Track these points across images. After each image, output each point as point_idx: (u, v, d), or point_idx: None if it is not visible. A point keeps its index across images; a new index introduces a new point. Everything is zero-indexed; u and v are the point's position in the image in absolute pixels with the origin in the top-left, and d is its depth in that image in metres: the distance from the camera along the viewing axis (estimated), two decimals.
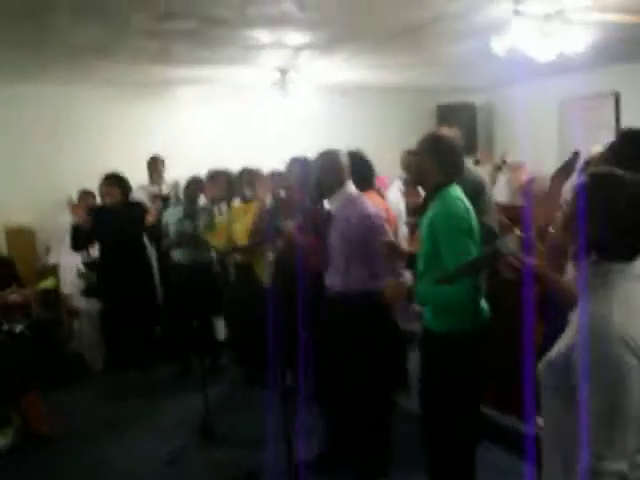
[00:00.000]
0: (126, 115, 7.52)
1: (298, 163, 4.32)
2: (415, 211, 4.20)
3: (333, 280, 3.60)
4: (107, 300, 5.41)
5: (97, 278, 5.59)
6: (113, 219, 5.08)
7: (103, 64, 6.17)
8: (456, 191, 2.87)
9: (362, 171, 3.88)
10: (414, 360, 3.92)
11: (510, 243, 2.30)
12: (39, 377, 4.62)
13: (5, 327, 4.74)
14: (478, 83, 8.77)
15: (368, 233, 3.42)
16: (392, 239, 3.39)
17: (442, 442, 3.03)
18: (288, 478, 3.02)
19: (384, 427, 3.73)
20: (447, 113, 8.94)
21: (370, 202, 3.61)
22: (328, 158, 3.60)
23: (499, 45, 4.95)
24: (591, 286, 1.58)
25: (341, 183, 3.56)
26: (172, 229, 5.59)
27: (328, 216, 3.61)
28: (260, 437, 3.98)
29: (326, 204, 3.68)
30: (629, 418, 1.47)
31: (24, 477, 4.04)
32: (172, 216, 5.65)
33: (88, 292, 5.88)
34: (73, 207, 5.73)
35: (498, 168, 7.53)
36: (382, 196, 4.78)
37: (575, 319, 1.62)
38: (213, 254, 5.78)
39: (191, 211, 5.51)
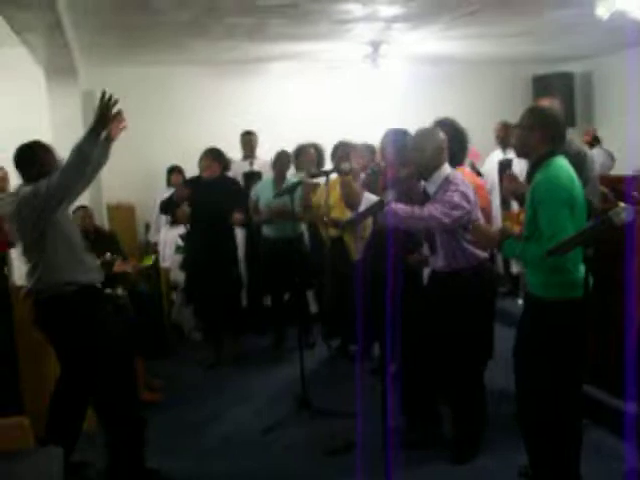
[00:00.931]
0: (220, 93, 7.72)
1: (393, 136, 4.28)
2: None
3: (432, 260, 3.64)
4: (191, 273, 5.51)
5: (185, 251, 5.72)
6: (211, 193, 5.14)
7: (199, 43, 6.32)
8: (561, 161, 2.89)
9: (453, 144, 3.78)
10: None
11: (621, 214, 2.23)
12: (141, 346, 4.83)
13: (109, 291, 4.95)
14: (576, 52, 8.40)
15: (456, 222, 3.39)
16: (479, 224, 3.32)
17: (544, 420, 2.99)
18: (385, 450, 3.04)
19: (479, 402, 3.71)
20: (543, 83, 8.65)
21: (465, 182, 3.51)
22: (427, 137, 3.54)
23: (603, 9, 4.74)
24: None
25: (439, 164, 3.50)
26: (263, 204, 5.60)
27: (425, 196, 3.57)
28: (353, 410, 4.01)
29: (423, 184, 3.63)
30: None
31: None
32: (264, 191, 5.68)
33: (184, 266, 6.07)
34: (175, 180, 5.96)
35: (591, 145, 7.26)
36: (475, 170, 4.71)
37: None
38: (304, 228, 5.83)
39: (287, 186, 5.56)
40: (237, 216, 5.25)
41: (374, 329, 3.86)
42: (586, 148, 4.39)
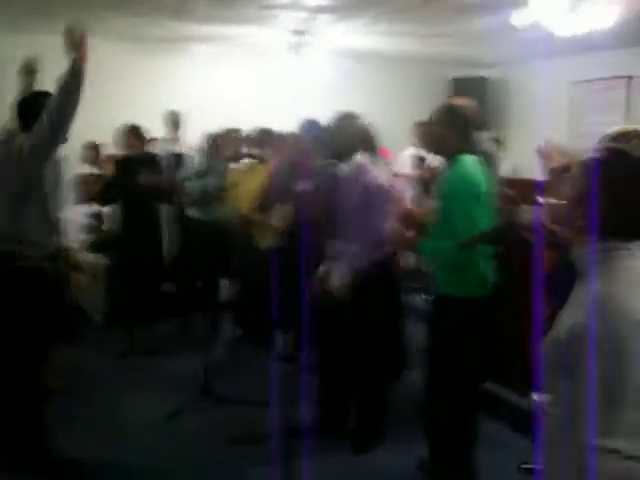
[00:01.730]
0: (144, 71, 7.50)
1: (311, 125, 4.29)
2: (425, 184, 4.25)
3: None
4: (116, 255, 5.37)
5: (107, 233, 5.55)
6: (137, 171, 5.00)
7: (122, 18, 6.11)
8: (471, 158, 2.93)
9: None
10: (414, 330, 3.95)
11: (525, 215, 2.32)
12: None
13: None
14: (493, 59, 8.70)
15: (374, 202, 3.41)
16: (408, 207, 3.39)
17: (444, 412, 3.07)
18: (290, 440, 3.05)
19: (383, 395, 3.77)
20: (461, 86, 8.89)
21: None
22: (345, 122, 3.56)
23: (520, 19, 4.91)
24: (598, 263, 1.57)
25: (355, 149, 3.51)
26: (190, 185, 5.51)
27: (337, 181, 3.57)
28: (258, 398, 4.02)
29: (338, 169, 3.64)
30: (629, 391, 1.48)
31: None
32: (191, 173, 5.60)
33: (96, 247, 5.89)
34: (104, 159, 5.68)
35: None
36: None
37: (579, 295, 1.62)
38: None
39: (211, 168, 5.48)
40: (144, 177, 5.00)
41: (285, 317, 3.86)
42: (495, 149, 4.55)
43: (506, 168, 7.13)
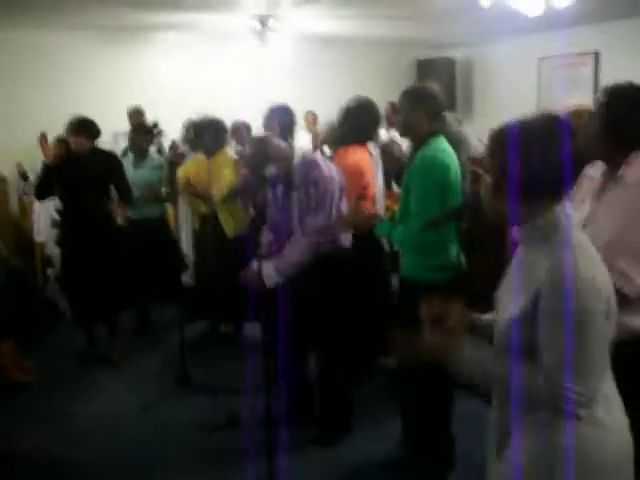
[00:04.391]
0: (101, 60, 7.37)
1: (277, 112, 4.27)
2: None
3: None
4: (66, 251, 4.98)
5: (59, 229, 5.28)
6: (80, 168, 4.64)
7: (83, 6, 5.97)
8: (441, 142, 2.95)
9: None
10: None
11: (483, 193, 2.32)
12: (16, 325, 4.59)
13: None
14: (458, 39, 8.71)
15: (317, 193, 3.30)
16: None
17: (419, 396, 3.12)
18: (265, 427, 3.04)
19: (346, 387, 3.72)
20: (427, 68, 8.92)
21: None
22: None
23: None
24: (544, 233, 1.60)
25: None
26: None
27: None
28: (234, 387, 4.06)
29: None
30: (592, 360, 1.53)
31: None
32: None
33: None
34: (44, 146, 4.95)
35: None
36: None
37: (526, 270, 1.64)
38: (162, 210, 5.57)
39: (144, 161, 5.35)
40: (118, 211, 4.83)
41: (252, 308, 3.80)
42: (463, 130, 4.55)
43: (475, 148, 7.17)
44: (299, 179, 3.32)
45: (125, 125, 6.51)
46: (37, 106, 6.94)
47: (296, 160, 3.37)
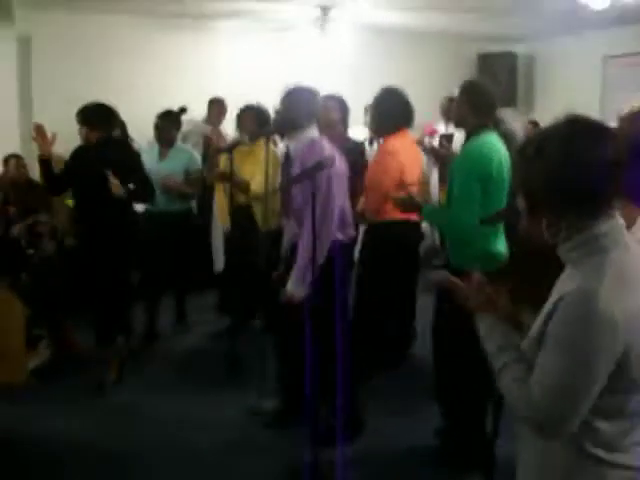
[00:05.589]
0: (164, 47, 7.51)
1: (334, 101, 4.31)
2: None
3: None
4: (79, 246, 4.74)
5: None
6: (89, 162, 4.36)
7: None
8: (490, 136, 3.00)
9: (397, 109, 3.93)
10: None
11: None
12: (69, 300, 4.76)
13: (31, 252, 4.86)
14: (521, 33, 8.55)
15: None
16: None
17: (456, 391, 3.17)
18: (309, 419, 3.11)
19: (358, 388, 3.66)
20: (487, 62, 8.79)
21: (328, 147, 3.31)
22: (296, 95, 3.36)
23: None
24: (583, 254, 1.47)
25: (302, 124, 3.29)
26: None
27: (286, 157, 3.50)
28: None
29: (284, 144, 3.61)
30: (588, 394, 1.43)
31: (58, 393, 4.23)
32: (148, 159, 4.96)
33: None
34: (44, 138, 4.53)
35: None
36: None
37: (559, 286, 1.53)
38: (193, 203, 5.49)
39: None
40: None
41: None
42: (516, 128, 4.54)
43: None
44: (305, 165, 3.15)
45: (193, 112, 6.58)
46: (98, 89, 7.07)
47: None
